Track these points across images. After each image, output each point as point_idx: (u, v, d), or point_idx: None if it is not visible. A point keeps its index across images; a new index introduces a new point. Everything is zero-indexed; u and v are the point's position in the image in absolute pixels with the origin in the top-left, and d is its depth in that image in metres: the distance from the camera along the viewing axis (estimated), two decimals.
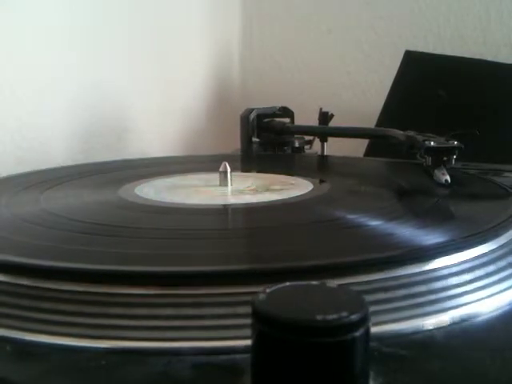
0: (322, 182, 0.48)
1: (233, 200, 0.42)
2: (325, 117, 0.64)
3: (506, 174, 0.51)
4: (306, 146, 0.66)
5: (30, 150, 0.62)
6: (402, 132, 0.54)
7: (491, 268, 0.28)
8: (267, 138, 0.65)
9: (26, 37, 0.61)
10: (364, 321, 0.18)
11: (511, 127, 0.68)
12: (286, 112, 0.68)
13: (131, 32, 0.75)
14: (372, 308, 0.19)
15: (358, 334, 0.17)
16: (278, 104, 0.68)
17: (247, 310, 0.19)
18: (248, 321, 0.18)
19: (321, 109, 0.65)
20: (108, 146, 0.72)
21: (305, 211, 0.39)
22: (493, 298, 0.26)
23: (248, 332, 0.19)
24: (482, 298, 0.26)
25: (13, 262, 0.27)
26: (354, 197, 0.44)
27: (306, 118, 0.66)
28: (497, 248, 0.29)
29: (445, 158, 0.46)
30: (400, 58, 0.78)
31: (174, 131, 0.83)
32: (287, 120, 0.67)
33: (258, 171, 0.54)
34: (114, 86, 0.73)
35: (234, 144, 0.67)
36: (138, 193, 0.43)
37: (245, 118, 0.64)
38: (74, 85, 0.67)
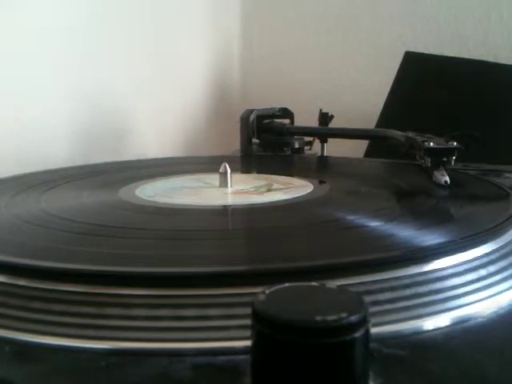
0: (321, 182, 0.48)
1: (233, 201, 0.42)
2: (325, 118, 0.65)
3: (507, 174, 0.51)
4: (306, 147, 0.66)
5: (30, 151, 0.62)
6: (401, 133, 0.54)
7: (491, 269, 0.28)
8: (267, 139, 0.65)
9: (26, 37, 0.61)
10: (363, 322, 0.18)
11: (511, 128, 0.68)
12: (285, 113, 0.68)
13: (131, 33, 0.75)
14: (371, 309, 0.19)
15: (357, 334, 0.17)
16: (278, 105, 0.68)
17: (247, 310, 0.19)
18: (248, 322, 0.18)
19: (321, 110, 0.65)
20: (108, 147, 0.72)
21: (305, 212, 0.39)
22: (492, 298, 0.26)
23: (248, 333, 0.19)
24: (482, 299, 0.26)
25: (13, 262, 0.27)
26: (353, 198, 0.44)
27: (305, 119, 0.66)
28: (496, 249, 0.29)
29: (444, 159, 0.46)
30: (400, 58, 0.78)
31: (173, 132, 0.83)
32: (287, 121, 0.68)
33: (258, 172, 0.54)
34: (114, 87, 0.73)
35: (234, 145, 0.67)
36: (138, 194, 0.43)
37: (245, 119, 0.64)
38: (74, 85, 0.67)
